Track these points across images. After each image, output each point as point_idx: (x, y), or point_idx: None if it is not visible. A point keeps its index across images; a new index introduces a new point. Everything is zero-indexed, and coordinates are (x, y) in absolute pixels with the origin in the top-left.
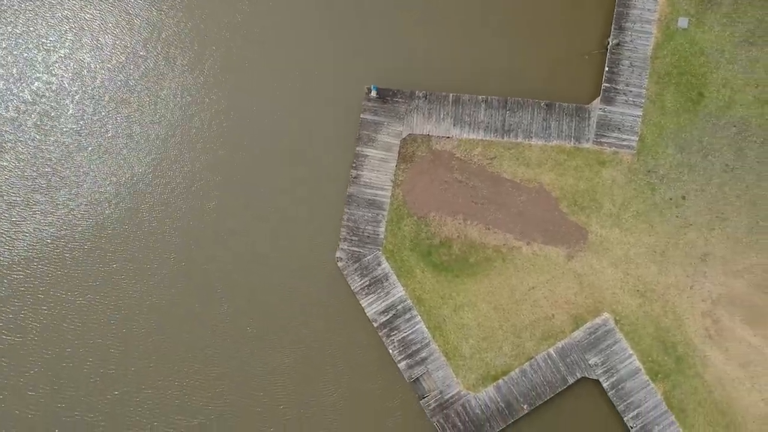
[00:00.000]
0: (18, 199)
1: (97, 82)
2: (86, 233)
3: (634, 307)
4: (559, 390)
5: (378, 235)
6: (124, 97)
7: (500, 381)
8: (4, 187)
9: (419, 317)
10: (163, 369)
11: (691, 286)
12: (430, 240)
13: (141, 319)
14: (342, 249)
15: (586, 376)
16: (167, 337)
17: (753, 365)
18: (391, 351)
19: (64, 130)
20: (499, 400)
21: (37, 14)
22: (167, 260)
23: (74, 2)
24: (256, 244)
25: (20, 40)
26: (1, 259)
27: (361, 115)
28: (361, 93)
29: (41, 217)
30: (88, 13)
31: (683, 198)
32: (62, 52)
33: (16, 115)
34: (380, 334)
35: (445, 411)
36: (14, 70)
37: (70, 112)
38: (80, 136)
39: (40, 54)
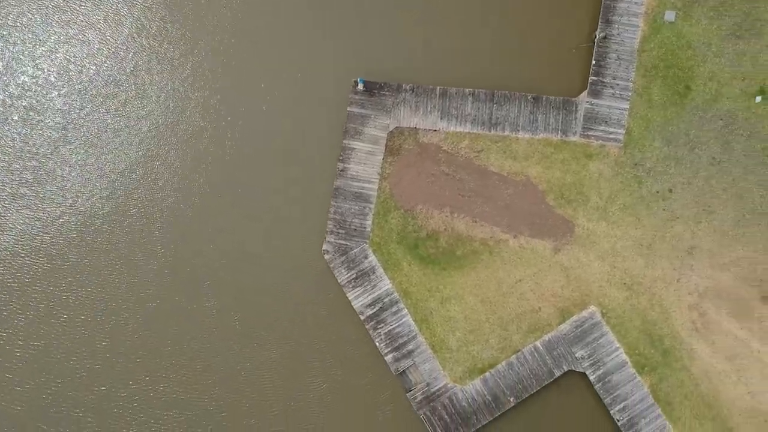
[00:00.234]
0: (4, 193)
1: (84, 76)
2: (73, 227)
3: (620, 300)
4: (546, 383)
5: (365, 228)
6: (112, 91)
7: (487, 374)
8: None
9: (406, 310)
10: (150, 364)
11: (677, 279)
12: (417, 233)
13: (128, 313)
14: (329, 242)
15: (573, 369)
16: (154, 332)
17: (739, 358)
18: (377, 344)
19: (51, 124)
20: (485, 392)
21: (23, 8)
22: (154, 255)
23: None
24: (242, 238)
25: (6, 34)
26: None
27: (348, 108)
28: (348, 86)
29: (27, 212)
30: (75, 7)
31: (670, 191)
32: (49, 45)
33: (2, 109)
34: (367, 327)
35: (431, 404)
36: (0, 64)
37: (57, 106)
38: (67, 130)
39: (27, 48)
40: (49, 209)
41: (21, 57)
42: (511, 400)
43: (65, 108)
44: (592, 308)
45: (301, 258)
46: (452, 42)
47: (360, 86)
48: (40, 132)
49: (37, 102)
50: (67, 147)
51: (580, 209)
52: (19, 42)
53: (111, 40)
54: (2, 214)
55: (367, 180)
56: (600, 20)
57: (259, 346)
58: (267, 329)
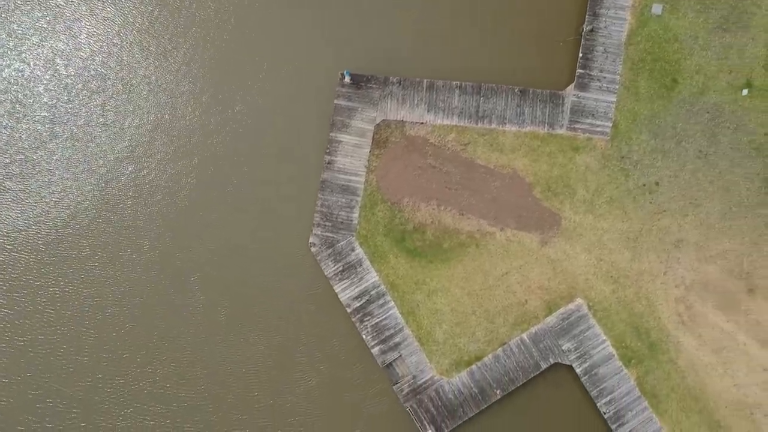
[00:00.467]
0: None
1: (71, 70)
2: (59, 221)
3: (607, 293)
4: (532, 375)
5: (351, 220)
6: (98, 85)
7: (473, 366)
8: None
9: (393, 303)
10: (136, 358)
11: (664, 272)
12: (404, 225)
13: (114, 307)
14: (315, 234)
15: (559, 361)
16: (141, 326)
17: (725, 351)
18: (364, 336)
19: (37, 118)
20: (472, 385)
21: (9, 2)
22: (141, 250)
23: None
24: (229, 231)
25: None
26: None
27: (335, 101)
28: (335, 79)
29: (14, 205)
30: (61, 1)
31: (657, 184)
32: (35, 39)
33: None
34: (353, 319)
35: (418, 396)
36: None
37: (44, 100)
38: (53, 124)
39: (12, 41)
40: (35, 203)
41: (7, 50)
42: (498, 392)
43: (52, 102)
44: (579, 301)
45: (288, 251)
46: (439, 34)
47: (347, 79)
48: (27, 126)
49: (23, 96)
50: (54, 141)
51: (567, 202)
52: (4, 35)
53: (98, 34)
54: None
55: (354, 173)
56: (587, 13)
57: (245, 339)
58: (253, 323)
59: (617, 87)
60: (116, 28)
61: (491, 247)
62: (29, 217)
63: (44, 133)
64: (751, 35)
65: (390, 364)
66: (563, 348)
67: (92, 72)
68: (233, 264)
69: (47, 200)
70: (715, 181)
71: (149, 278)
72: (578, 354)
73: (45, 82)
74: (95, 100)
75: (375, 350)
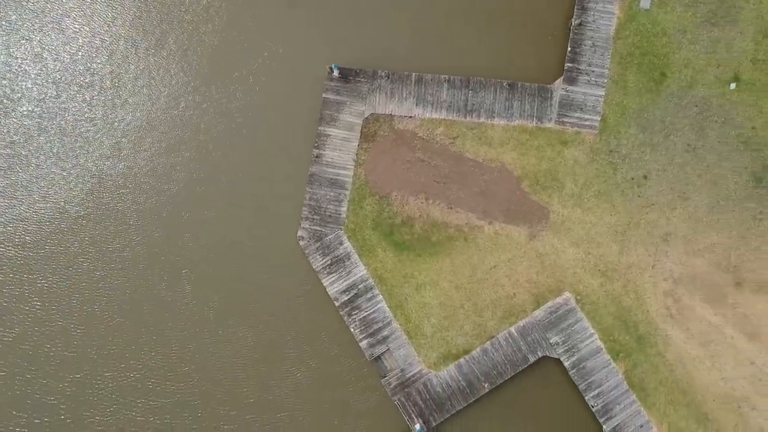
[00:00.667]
0: None
1: (59, 64)
2: (47, 215)
3: (595, 287)
4: (521, 369)
5: (340, 214)
6: (87, 80)
7: (461, 360)
8: None
9: (381, 296)
10: (124, 352)
11: (652, 266)
12: (392, 219)
13: (102, 301)
14: (304, 228)
15: (548, 355)
16: (129, 320)
17: (713, 344)
18: (352, 330)
19: (25, 112)
20: (460, 378)
21: None
22: (130, 244)
23: None
24: (217, 226)
25: None
26: None
27: (324, 95)
28: (324, 72)
29: (1, 200)
30: None
31: (645, 177)
32: (23, 33)
33: None
34: (342, 313)
35: (406, 389)
36: None
37: (32, 94)
38: (42, 118)
39: (0, 36)
40: (23, 197)
41: None
42: (486, 386)
43: (40, 97)
44: (567, 294)
45: (276, 245)
46: (428, 28)
47: (335, 73)
48: (15, 120)
49: (11, 90)
50: (43, 136)
51: (555, 196)
52: None
53: (86, 28)
54: None
55: (342, 166)
56: (576, 7)
57: (233, 334)
58: (242, 318)
59: (606, 81)
60: (105, 23)
61: (479, 240)
62: (17, 212)
63: (32, 128)
64: (739, 29)
65: (378, 357)
66: (551, 341)
67: (81, 67)
68: (222, 259)
69: (35, 195)
70: (703, 174)
71: (138, 273)
72: (566, 347)
73: (33, 76)
74: (84, 95)
75: (363, 344)
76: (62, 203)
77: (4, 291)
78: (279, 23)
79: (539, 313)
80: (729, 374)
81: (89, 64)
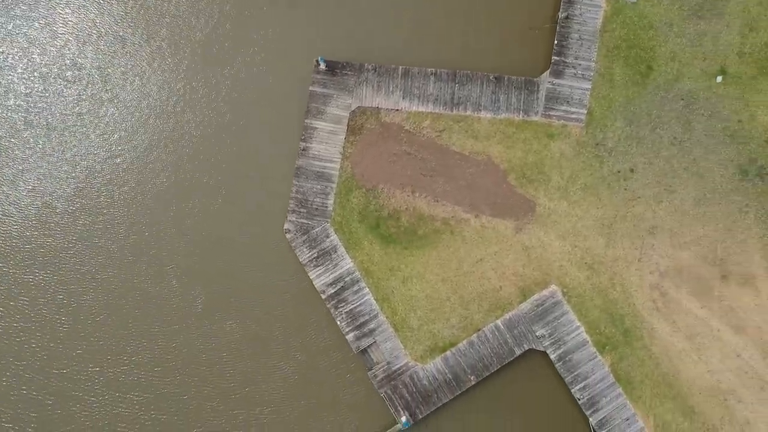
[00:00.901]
0: None
1: (46, 59)
2: (33, 209)
3: (581, 280)
4: (507, 361)
5: (326, 207)
6: (74, 74)
7: (448, 352)
8: None
9: (367, 289)
10: (110, 346)
11: (638, 259)
12: (379, 212)
13: (89, 295)
14: (290, 221)
15: (534, 347)
16: (115, 313)
17: (699, 337)
18: (339, 323)
19: (12, 106)
20: (446, 371)
21: None
22: (116, 237)
23: None
24: (203, 220)
25: None
26: None
27: (310, 88)
28: (311, 65)
29: None
30: None
31: (631, 171)
32: (9, 28)
33: None
34: (328, 305)
35: (392, 382)
36: None
37: (19, 89)
38: (28, 113)
39: None
40: (9, 191)
41: None
42: (472, 378)
43: (27, 91)
44: (553, 287)
45: (263, 238)
46: (415, 21)
47: (322, 66)
48: (1, 114)
49: None
50: (29, 130)
51: (542, 189)
52: None
53: (74, 23)
54: None
55: (329, 159)
56: (562, 0)
57: (220, 328)
58: (229, 311)
59: (592, 74)
60: (92, 17)
61: (466, 233)
62: (3, 207)
63: (19, 122)
64: (725, 22)
65: (364, 350)
66: (537, 334)
67: (68, 61)
68: (208, 253)
69: (21, 189)
70: (690, 167)
71: (124, 267)
72: (552, 340)
73: (20, 71)
74: (71, 90)
75: (349, 336)
76: (48, 198)
77: None
78: (266, 17)
79: (525, 306)
80: (715, 367)
81: (76, 59)
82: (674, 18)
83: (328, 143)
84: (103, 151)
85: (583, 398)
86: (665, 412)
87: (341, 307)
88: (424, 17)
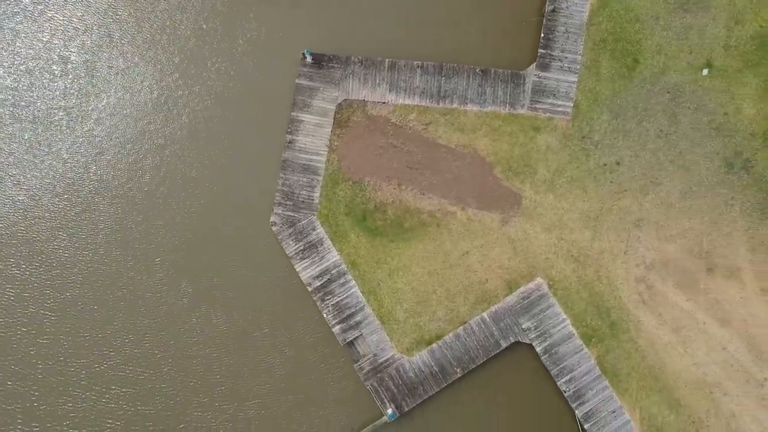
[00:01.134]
0: None
1: (32, 52)
2: (19, 203)
3: (567, 272)
4: (493, 354)
5: (313, 199)
6: (60, 68)
7: (434, 345)
8: None
9: (354, 282)
10: (97, 339)
11: (625, 252)
12: (365, 205)
13: (75, 288)
14: (276, 214)
15: (520, 340)
16: (101, 307)
17: (685, 330)
18: (325, 315)
19: None
20: (432, 364)
21: None
22: (102, 230)
23: None
24: (190, 212)
25: None
26: None
27: (297, 81)
28: (297, 58)
29: None
30: None
31: (617, 164)
32: None
33: None
34: (315, 298)
35: (378, 375)
36: None
37: (5, 83)
38: (15, 107)
39: None
40: None
41: None
42: (458, 371)
43: (13, 85)
44: (539, 280)
45: (249, 231)
46: (401, 14)
47: (308, 58)
48: None
49: None
50: (15, 124)
51: (528, 181)
52: None
53: (59, 16)
54: None
55: (315, 152)
56: None
57: (207, 321)
58: (215, 304)
59: (578, 67)
60: (78, 11)
61: (452, 226)
62: None
63: (5, 116)
64: (711, 15)
65: (351, 342)
66: (523, 327)
67: (54, 55)
68: (195, 246)
69: (7, 182)
70: (676, 160)
71: (110, 260)
72: (538, 333)
73: (6, 65)
74: (58, 84)
75: (336, 329)
76: (34, 191)
77: None
78: (252, 10)
79: (511, 299)
80: (701, 360)
81: (63, 53)
82: (660, 11)
83: (314, 136)
84: (89, 145)
85: (569, 391)
86: (651, 405)
87: (327, 299)
88: (411, 10)
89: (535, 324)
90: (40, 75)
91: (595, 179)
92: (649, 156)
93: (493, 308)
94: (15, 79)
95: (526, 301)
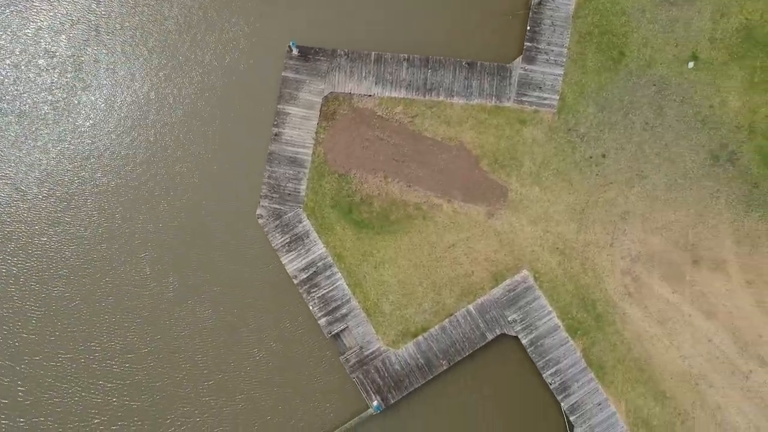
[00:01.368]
0: None
1: (18, 47)
2: (4, 197)
3: (553, 265)
4: (478, 346)
5: (299, 192)
6: (47, 62)
7: (420, 337)
8: None
9: (340, 274)
10: (83, 333)
11: (610, 244)
12: (351, 197)
13: (61, 282)
14: (263, 206)
15: (506, 332)
16: (87, 301)
17: (671, 322)
18: (311, 308)
19: None
20: (418, 356)
21: None
22: (89, 224)
23: None
24: (176, 205)
25: None
26: None
27: (283, 73)
28: (283, 51)
29: None
30: None
31: (603, 156)
32: None
33: None
34: (301, 291)
35: (364, 367)
36: None
37: None
38: (0, 101)
39: None
40: None
41: None
42: (444, 363)
43: None
44: (525, 272)
45: (236, 224)
46: (388, 7)
47: (294, 51)
48: None
49: None
50: (1, 118)
51: (514, 174)
52: None
53: (46, 10)
54: None
55: (301, 145)
56: None
57: (193, 315)
58: (202, 298)
59: (564, 60)
60: (65, 5)
61: (438, 218)
62: None
63: None
64: (697, 8)
65: (337, 335)
66: (509, 319)
67: (41, 49)
68: (181, 239)
69: None
70: (661, 153)
71: (97, 254)
72: (524, 325)
73: None
74: (44, 77)
75: (322, 321)
76: (20, 184)
77: None
78: (238, 2)
79: (497, 291)
80: (687, 352)
81: (49, 47)
82: (646, 4)
83: (300, 128)
84: (75, 139)
85: (554, 383)
86: (637, 397)
87: (314, 292)
88: (397, 3)
89: (520, 316)
90: (26, 69)
91: (581, 172)
92: (635, 148)
93: (479, 301)
94: (0, 73)
95: (512, 294)
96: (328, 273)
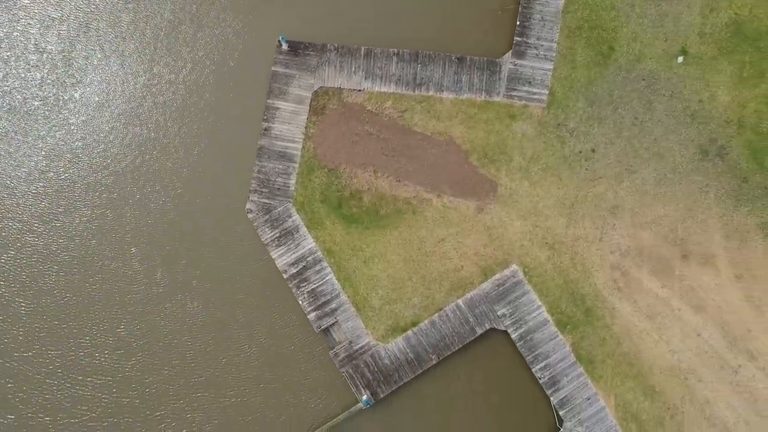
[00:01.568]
0: None
1: (7, 43)
2: None
3: (542, 259)
4: (468, 341)
5: (288, 187)
6: (37, 58)
7: (409, 332)
8: None
9: (329, 269)
10: (73, 329)
11: (600, 239)
12: (341, 192)
13: (51, 277)
14: (252, 201)
15: (495, 327)
16: (77, 296)
17: (660, 317)
18: (301, 302)
19: None
20: (408, 351)
21: None
22: (79, 219)
23: None
24: (166, 200)
25: None
26: None
27: (273, 68)
28: (273, 46)
29: None
30: None
31: (593, 151)
32: None
33: None
34: (290, 285)
35: (354, 361)
36: None
37: None
38: None
39: None
40: None
41: None
42: (434, 358)
43: None
44: (514, 267)
45: (225, 218)
46: (377, 2)
47: (284, 46)
48: None
49: None
50: None
51: (503, 169)
52: None
53: (35, 6)
54: None
55: (291, 139)
56: None
57: (183, 310)
58: (192, 293)
59: (554, 55)
60: (54, 1)
61: (428, 213)
62: None
63: None
64: (686, 3)
65: (326, 329)
66: (498, 314)
67: (31, 45)
68: (171, 234)
69: None
70: (651, 147)
71: (87, 249)
72: (513, 320)
73: None
74: (34, 74)
75: (311, 316)
76: (8, 180)
77: None
78: None
79: (487, 286)
80: (676, 346)
81: (39, 44)
82: None
83: (290, 123)
84: (65, 135)
85: (544, 377)
86: (626, 392)
87: (303, 286)
88: None
89: (510, 311)
90: (16, 64)
91: (570, 166)
92: (624, 143)
93: (468, 295)
94: None
95: (502, 288)
96: (317, 268)
